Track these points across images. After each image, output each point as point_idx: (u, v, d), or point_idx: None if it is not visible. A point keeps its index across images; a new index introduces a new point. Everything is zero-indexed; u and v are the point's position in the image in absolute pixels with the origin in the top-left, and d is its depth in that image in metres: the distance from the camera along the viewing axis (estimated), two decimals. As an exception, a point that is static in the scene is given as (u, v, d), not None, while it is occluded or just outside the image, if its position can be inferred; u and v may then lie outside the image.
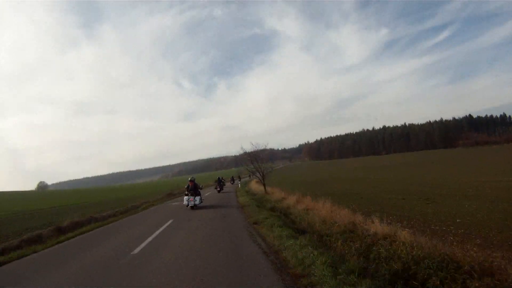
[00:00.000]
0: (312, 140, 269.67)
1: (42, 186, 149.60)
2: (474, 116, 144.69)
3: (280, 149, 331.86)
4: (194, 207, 13.58)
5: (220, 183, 27.24)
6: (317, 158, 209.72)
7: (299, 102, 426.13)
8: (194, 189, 13.88)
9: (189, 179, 14.54)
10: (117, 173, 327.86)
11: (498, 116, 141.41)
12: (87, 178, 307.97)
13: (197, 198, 13.73)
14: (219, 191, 26.14)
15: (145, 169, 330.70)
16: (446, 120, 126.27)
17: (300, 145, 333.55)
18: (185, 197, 13.87)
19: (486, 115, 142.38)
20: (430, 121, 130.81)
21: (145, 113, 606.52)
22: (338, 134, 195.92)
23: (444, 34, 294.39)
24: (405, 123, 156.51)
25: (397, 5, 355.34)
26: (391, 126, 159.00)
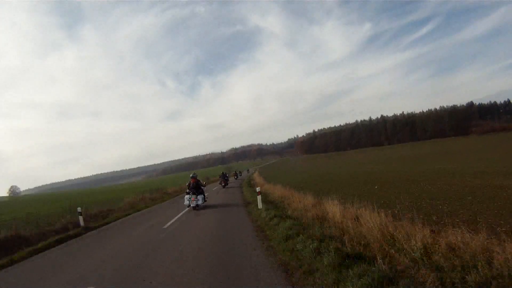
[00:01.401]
0: (300, 134, 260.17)
1: (14, 192, 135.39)
2: (476, 103, 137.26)
3: (268, 144, 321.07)
4: (196, 207, 12.34)
5: (225, 178, 26.73)
6: (311, 152, 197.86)
7: (283, 99, 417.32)
8: (196, 187, 12.69)
9: (190, 175, 13.17)
10: (100, 174, 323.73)
11: (502, 102, 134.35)
12: (70, 180, 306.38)
13: (200, 197, 12.48)
14: (224, 186, 25.58)
15: (130, 170, 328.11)
16: (456, 107, 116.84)
17: (289, 140, 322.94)
18: (186, 196, 12.66)
19: (490, 101, 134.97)
20: (436, 109, 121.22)
21: (130, 114, 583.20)
22: (333, 126, 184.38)
23: (427, 28, 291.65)
24: (403, 112, 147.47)
25: None
26: (391, 115, 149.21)
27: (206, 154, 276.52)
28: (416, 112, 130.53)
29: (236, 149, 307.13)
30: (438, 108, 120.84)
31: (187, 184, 13.25)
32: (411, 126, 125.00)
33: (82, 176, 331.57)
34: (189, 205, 12.53)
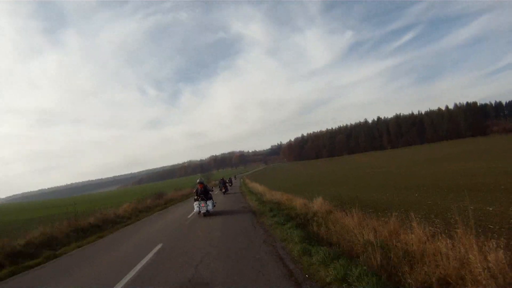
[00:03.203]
0: (285, 141, 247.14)
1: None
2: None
3: (250, 151, 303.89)
4: (206, 213, 11.84)
5: (224, 184, 26.35)
6: (301, 158, 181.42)
7: (265, 107, 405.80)
8: (204, 193, 12.39)
9: (197, 181, 13.06)
10: (75, 183, 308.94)
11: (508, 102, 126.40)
12: (43, 190, 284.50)
13: (209, 202, 12.08)
14: (224, 193, 25.09)
15: (106, 179, 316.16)
16: (470, 104, 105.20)
17: (273, 147, 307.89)
18: (195, 203, 12.28)
19: (495, 101, 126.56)
20: (449, 107, 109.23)
21: (110, 122, 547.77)
22: (327, 129, 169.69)
23: (409, 36, 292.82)
24: (402, 113, 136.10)
25: (362, 7, 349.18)
26: (388, 116, 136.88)
27: (184, 162, 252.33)
28: (422, 111, 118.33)
29: (216, 156, 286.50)
30: (451, 106, 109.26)
31: (194, 190, 13.12)
32: (419, 127, 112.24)
33: (56, 185, 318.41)
34: (199, 212, 12.04)
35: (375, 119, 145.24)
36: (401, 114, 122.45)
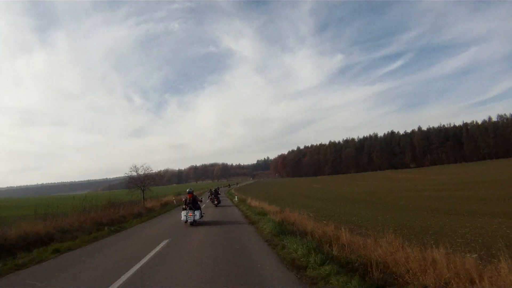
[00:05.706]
0: (272, 156, 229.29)
1: None
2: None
3: (234, 164, 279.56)
4: (193, 223, 11.98)
5: (217, 195, 23.68)
6: (297, 174, 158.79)
7: (250, 124, 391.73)
8: (193, 203, 12.58)
9: (187, 191, 13.20)
10: (46, 184, 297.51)
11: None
12: (10, 187, 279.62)
13: (197, 212, 12.22)
14: (216, 205, 22.40)
15: (79, 182, 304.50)
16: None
17: (259, 161, 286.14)
18: (183, 212, 12.33)
19: None
20: (491, 119, 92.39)
21: (93, 127, 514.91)
22: (331, 141, 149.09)
23: (398, 63, 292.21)
24: (435, 124, 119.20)
25: (354, 31, 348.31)
26: (413, 129, 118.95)
27: (160, 170, 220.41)
28: (456, 124, 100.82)
29: (196, 167, 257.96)
30: (495, 118, 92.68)
31: (183, 199, 13.35)
32: (456, 142, 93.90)
33: (25, 184, 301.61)
34: (186, 221, 12.09)
35: (388, 133, 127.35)
36: (430, 127, 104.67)
